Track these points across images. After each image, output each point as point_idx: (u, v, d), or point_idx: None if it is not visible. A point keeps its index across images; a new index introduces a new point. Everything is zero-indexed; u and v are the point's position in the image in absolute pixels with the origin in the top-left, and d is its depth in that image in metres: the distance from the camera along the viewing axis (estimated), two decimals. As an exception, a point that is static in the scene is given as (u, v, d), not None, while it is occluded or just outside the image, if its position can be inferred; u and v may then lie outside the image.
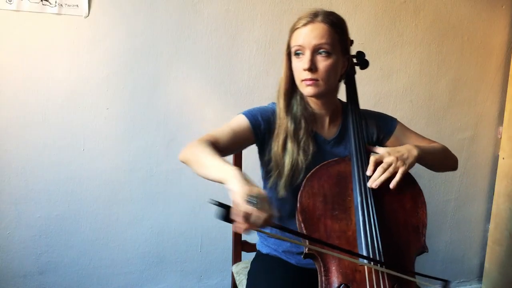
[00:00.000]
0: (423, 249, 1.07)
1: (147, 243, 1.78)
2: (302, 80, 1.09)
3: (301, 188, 1.07)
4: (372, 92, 1.90)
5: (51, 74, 1.57)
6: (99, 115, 1.64)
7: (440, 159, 1.22)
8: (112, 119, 1.66)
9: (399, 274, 0.98)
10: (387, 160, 1.06)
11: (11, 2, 1.48)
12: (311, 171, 1.09)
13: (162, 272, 1.83)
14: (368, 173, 1.06)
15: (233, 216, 0.79)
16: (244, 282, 1.32)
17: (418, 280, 1.03)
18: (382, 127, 1.25)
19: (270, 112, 1.16)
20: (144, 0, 1.61)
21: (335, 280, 0.99)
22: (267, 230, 0.86)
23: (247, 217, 0.79)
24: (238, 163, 1.45)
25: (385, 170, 1.05)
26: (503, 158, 2.08)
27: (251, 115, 1.13)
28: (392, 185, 1.04)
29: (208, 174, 0.94)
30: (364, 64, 1.27)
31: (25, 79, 1.55)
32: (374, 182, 1.04)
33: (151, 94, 1.68)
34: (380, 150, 1.14)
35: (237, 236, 1.47)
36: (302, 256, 1.04)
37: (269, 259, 1.25)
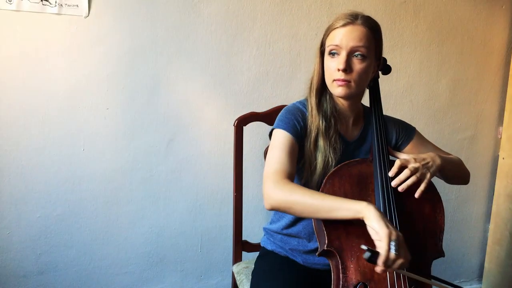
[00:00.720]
0: (440, 254, 1.09)
1: (147, 243, 1.78)
2: (335, 80, 1.08)
3: (322, 185, 1.07)
4: (372, 92, 1.90)
5: (51, 74, 1.57)
6: (99, 115, 1.64)
7: (457, 171, 1.23)
8: (112, 119, 1.66)
9: (418, 277, 0.98)
10: (413, 165, 1.05)
11: (11, 2, 1.48)
12: (333, 169, 1.09)
13: (162, 272, 1.83)
14: (391, 174, 1.06)
15: (378, 261, 0.89)
16: (245, 282, 1.32)
17: (432, 282, 1.04)
18: (401, 134, 1.26)
19: (297, 112, 1.15)
20: (144, 0, 1.61)
21: (353, 278, 0.99)
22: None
23: (388, 264, 0.89)
24: (238, 164, 1.44)
25: (412, 174, 1.04)
26: (503, 158, 2.08)
27: (290, 127, 1.12)
28: (417, 194, 1.04)
29: (332, 215, 0.97)
30: (387, 69, 1.27)
31: (25, 79, 1.55)
32: (401, 185, 1.04)
33: (151, 94, 1.68)
34: (403, 155, 1.14)
35: (237, 236, 1.47)
36: (316, 254, 1.03)
37: (274, 258, 1.24)
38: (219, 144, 1.78)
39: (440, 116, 2.04)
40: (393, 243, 0.89)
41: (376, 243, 0.91)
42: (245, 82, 1.76)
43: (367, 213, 0.92)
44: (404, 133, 1.26)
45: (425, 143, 1.27)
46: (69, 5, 1.54)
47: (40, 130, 1.59)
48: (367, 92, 1.23)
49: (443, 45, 1.98)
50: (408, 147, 1.25)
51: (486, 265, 2.19)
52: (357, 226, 1.01)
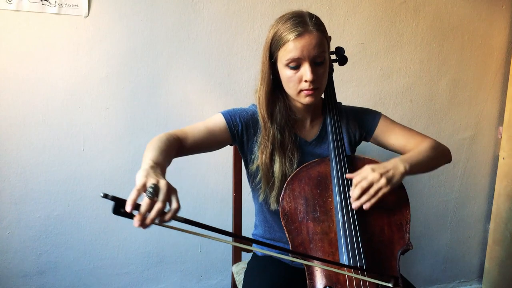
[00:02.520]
0: (407, 247, 1.04)
1: (147, 243, 1.78)
2: (302, 91, 1.06)
3: (282, 193, 1.06)
4: (372, 92, 1.90)
5: (51, 74, 1.57)
6: (99, 115, 1.64)
7: (431, 162, 1.14)
8: (112, 119, 1.66)
9: (376, 281, 0.96)
10: (369, 179, 0.99)
11: (11, 2, 1.48)
12: (291, 174, 1.08)
13: (162, 272, 1.83)
14: (351, 199, 1.01)
15: (126, 208, 0.76)
16: (244, 282, 1.33)
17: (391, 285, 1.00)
18: (365, 124, 1.23)
19: (250, 114, 1.15)
20: (144, 0, 1.61)
21: (319, 282, 1.00)
22: (172, 224, 0.83)
23: (140, 210, 0.77)
24: (237, 164, 1.44)
25: (364, 190, 0.99)
26: (503, 158, 2.08)
27: (229, 115, 1.12)
28: (365, 206, 0.99)
29: None
30: (343, 60, 1.23)
31: (25, 79, 1.55)
32: (354, 203, 1.00)
33: (151, 94, 1.68)
34: (362, 171, 1.05)
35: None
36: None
37: (263, 258, 1.26)
38: (219, 144, 1.78)
39: (440, 116, 2.04)
40: (150, 187, 0.78)
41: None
42: (245, 82, 1.76)
43: (142, 167, 0.86)
44: (367, 122, 1.23)
45: (391, 127, 1.21)
46: (69, 5, 1.54)
47: (40, 130, 1.59)
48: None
49: (443, 45, 1.98)
50: (374, 135, 1.22)
51: (486, 265, 2.19)
52: (319, 229, 1.02)
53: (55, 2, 1.52)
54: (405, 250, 1.04)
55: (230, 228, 1.52)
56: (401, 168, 1.03)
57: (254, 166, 1.14)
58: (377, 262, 1.01)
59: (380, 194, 0.99)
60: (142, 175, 0.82)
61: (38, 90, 1.56)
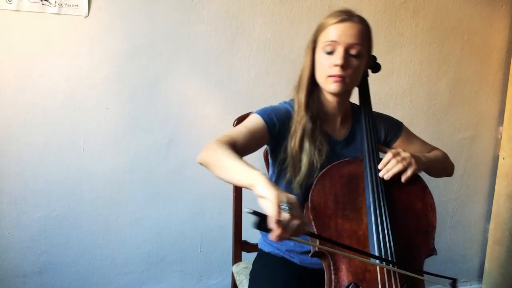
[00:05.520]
0: (432, 252, 1.08)
1: (147, 243, 1.78)
2: (330, 76, 1.08)
3: (313, 187, 1.06)
4: (372, 92, 1.87)
5: (51, 74, 1.57)
6: (99, 115, 1.64)
7: (440, 168, 1.25)
8: (112, 119, 1.66)
9: (411, 274, 0.98)
10: (402, 154, 1.08)
11: (11, 2, 1.48)
12: (323, 170, 1.09)
13: (162, 272, 1.83)
14: (380, 166, 1.07)
15: (270, 224, 0.78)
16: (244, 282, 1.32)
17: (426, 279, 1.04)
18: (390, 130, 1.27)
19: (283, 112, 1.15)
20: (144, 0, 1.61)
21: (345, 279, 0.99)
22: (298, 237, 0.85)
23: (283, 225, 0.78)
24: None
25: (398, 162, 1.06)
26: (503, 158, 2.08)
27: (266, 115, 1.12)
28: (403, 178, 1.06)
29: (232, 178, 0.94)
30: (376, 67, 1.27)
31: (25, 79, 1.55)
32: (386, 174, 1.06)
33: (151, 94, 1.68)
34: (392, 150, 1.15)
35: (237, 236, 1.47)
36: (309, 255, 1.03)
37: (271, 259, 1.24)
38: (219, 144, 1.78)
39: (440, 116, 2.04)
40: (284, 203, 0.79)
41: (266, 209, 0.80)
42: (245, 82, 1.76)
43: (257, 179, 0.84)
44: (393, 129, 1.27)
45: (412, 138, 1.29)
46: (69, 5, 1.54)
47: (40, 130, 1.59)
48: (355, 90, 1.23)
49: (443, 45, 1.98)
50: (396, 143, 1.27)
51: (486, 265, 2.19)
52: (348, 227, 1.02)
53: (55, 2, 1.52)
54: (429, 254, 1.08)
55: (230, 228, 1.52)
56: (423, 158, 1.12)
57: (284, 155, 1.14)
58: (405, 263, 1.03)
59: (411, 169, 1.07)
60: (272, 189, 0.80)
61: (38, 90, 1.56)
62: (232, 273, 1.46)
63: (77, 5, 1.54)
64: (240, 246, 1.47)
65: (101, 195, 1.69)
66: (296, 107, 1.14)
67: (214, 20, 1.69)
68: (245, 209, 0.78)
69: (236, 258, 1.48)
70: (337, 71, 1.06)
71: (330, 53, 1.07)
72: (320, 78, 1.11)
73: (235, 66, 1.74)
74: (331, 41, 1.06)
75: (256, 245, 1.43)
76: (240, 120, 1.42)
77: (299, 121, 1.12)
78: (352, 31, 1.05)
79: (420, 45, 1.94)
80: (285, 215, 0.78)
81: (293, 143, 1.12)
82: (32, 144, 1.59)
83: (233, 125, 1.42)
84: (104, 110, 1.64)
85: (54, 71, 1.57)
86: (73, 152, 1.64)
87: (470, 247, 2.24)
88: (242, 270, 1.40)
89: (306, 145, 1.11)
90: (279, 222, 0.77)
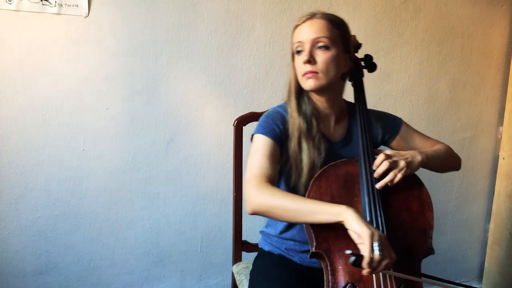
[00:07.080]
0: (430, 251, 1.08)
1: (147, 243, 1.78)
2: (303, 75, 1.10)
3: (309, 188, 1.07)
4: (372, 92, 1.90)
5: (51, 74, 1.57)
6: (99, 115, 1.64)
7: (443, 162, 1.23)
8: (112, 119, 1.66)
9: (407, 276, 0.98)
10: (394, 158, 1.07)
11: (11, 2, 1.48)
12: (319, 171, 1.09)
13: (162, 272, 1.83)
14: (374, 167, 1.07)
15: (362, 264, 0.88)
16: (245, 282, 1.32)
17: (426, 281, 1.04)
18: (387, 127, 1.26)
19: (278, 117, 1.16)
20: (144, 0, 1.61)
21: (342, 279, 1.00)
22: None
23: (373, 266, 0.89)
24: (238, 164, 1.44)
25: (390, 165, 1.06)
26: (503, 158, 2.08)
27: (268, 131, 1.13)
28: (393, 182, 1.05)
29: (306, 219, 0.98)
30: (372, 67, 1.27)
31: (25, 79, 1.55)
32: (378, 184, 1.05)
33: (151, 94, 1.68)
34: (386, 152, 1.14)
35: (237, 236, 1.47)
36: (308, 255, 1.04)
37: (271, 258, 1.25)
38: (219, 144, 1.78)
39: (440, 116, 2.04)
40: (376, 244, 0.88)
41: (359, 246, 0.91)
42: (245, 82, 1.76)
43: (346, 216, 0.92)
44: (390, 126, 1.27)
45: (412, 134, 1.28)
46: (69, 5, 1.54)
47: (40, 130, 1.59)
48: (350, 89, 1.23)
49: (443, 45, 1.98)
50: (396, 140, 1.26)
51: (486, 265, 2.19)
52: (345, 228, 1.02)
53: (55, 2, 1.52)
54: (427, 254, 1.08)
55: (230, 228, 1.52)
56: (418, 157, 1.11)
57: (286, 156, 1.16)
58: (401, 264, 1.02)
59: (401, 173, 1.06)
60: (365, 228, 0.90)
61: (38, 90, 1.56)
62: (232, 273, 1.45)
63: (77, 5, 1.54)
64: (240, 246, 1.47)
65: (101, 195, 1.69)
66: (289, 110, 1.16)
67: (214, 20, 1.69)
68: (347, 251, 0.90)
69: (236, 258, 1.48)
70: (307, 68, 1.08)
71: (299, 52, 1.10)
72: (299, 79, 1.13)
73: (235, 66, 1.74)
74: (298, 41, 1.10)
75: (256, 245, 1.43)
76: (240, 120, 1.42)
77: (293, 123, 1.14)
78: (314, 27, 1.09)
79: (420, 45, 1.94)
80: (376, 256, 0.89)
81: (292, 144, 1.13)
82: (32, 144, 1.59)
83: (233, 125, 1.42)
84: (104, 110, 1.64)
85: (54, 71, 1.57)
86: (73, 152, 1.64)
87: (470, 247, 2.24)
88: (242, 270, 1.40)
89: (304, 145, 1.13)
90: (370, 263, 0.88)
